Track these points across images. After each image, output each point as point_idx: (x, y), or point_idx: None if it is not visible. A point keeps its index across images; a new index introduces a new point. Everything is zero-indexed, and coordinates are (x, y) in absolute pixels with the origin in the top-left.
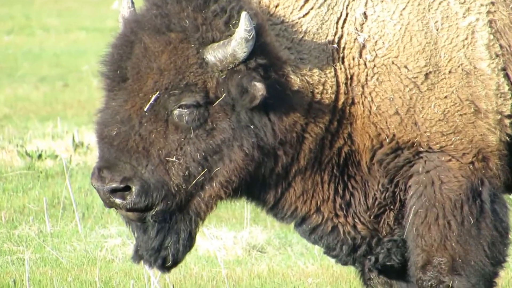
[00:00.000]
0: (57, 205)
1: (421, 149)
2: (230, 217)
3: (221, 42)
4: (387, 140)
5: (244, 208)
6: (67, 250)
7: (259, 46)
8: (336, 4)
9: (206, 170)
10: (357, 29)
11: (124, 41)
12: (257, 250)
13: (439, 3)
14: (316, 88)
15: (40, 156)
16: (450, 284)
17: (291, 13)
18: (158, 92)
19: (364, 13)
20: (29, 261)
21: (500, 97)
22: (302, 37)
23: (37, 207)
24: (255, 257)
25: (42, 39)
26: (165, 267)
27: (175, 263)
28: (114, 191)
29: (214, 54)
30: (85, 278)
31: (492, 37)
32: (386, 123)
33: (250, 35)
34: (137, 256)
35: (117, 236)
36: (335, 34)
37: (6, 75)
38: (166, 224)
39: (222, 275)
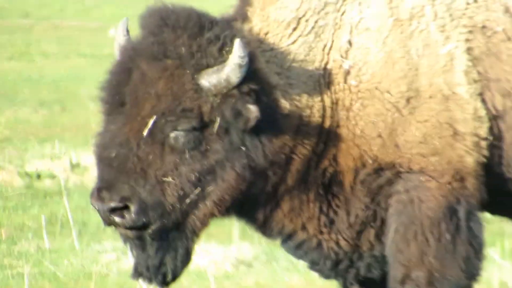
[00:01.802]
0: (55, 222)
1: (402, 169)
2: (219, 232)
3: (215, 68)
4: (370, 162)
5: (233, 224)
6: (64, 265)
7: (251, 72)
8: (323, 32)
9: (200, 189)
10: (342, 56)
11: (122, 68)
12: (245, 265)
13: (420, 32)
14: (304, 112)
15: (39, 176)
16: None
17: (280, 40)
18: (155, 117)
19: (349, 41)
20: (28, 276)
21: (477, 120)
22: (291, 63)
23: (36, 225)
24: (243, 272)
25: (42, 65)
26: (165, 282)
27: (174, 278)
28: (113, 210)
29: (209, 80)
30: None
31: (470, 63)
32: (369, 145)
33: (244, 61)
34: (137, 273)
35: (112, 252)
36: (322, 60)
37: (7, 99)
38: (164, 242)
39: None
